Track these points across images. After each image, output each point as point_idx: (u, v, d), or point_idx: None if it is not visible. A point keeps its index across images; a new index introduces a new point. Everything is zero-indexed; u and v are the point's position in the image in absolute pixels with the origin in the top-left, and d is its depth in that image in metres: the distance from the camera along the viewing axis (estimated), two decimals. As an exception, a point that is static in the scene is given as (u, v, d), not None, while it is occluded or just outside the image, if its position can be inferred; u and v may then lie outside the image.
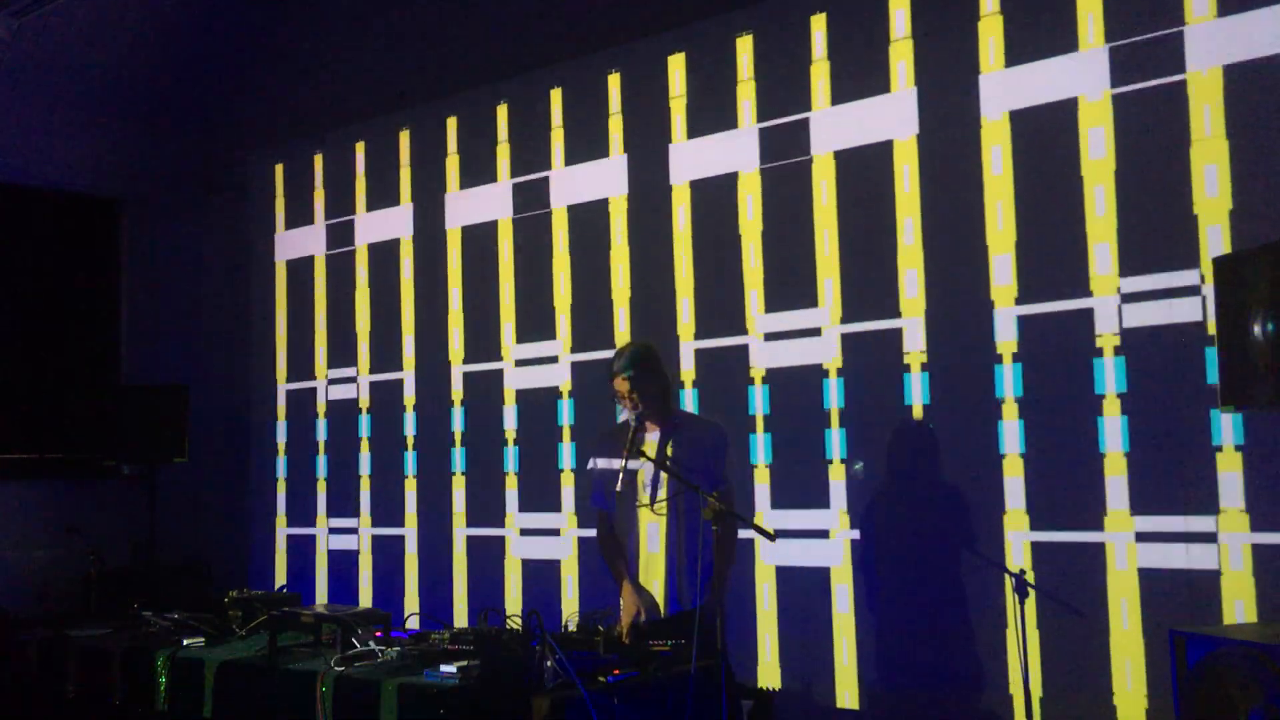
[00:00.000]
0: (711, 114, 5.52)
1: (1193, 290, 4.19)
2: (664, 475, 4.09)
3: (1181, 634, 3.41)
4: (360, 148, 7.10)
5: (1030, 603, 4.37)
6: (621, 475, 4.13)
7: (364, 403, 6.97)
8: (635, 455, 4.09)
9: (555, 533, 5.98)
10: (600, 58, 5.97)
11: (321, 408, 7.23)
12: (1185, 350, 4.20)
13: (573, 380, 5.98)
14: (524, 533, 6.12)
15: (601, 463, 4.35)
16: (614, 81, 5.89)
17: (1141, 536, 4.27)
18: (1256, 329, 3.35)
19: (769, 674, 5.17)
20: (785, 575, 5.16)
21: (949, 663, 4.72)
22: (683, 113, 5.63)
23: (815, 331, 5.13)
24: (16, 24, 6.54)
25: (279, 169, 7.65)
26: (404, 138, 6.87)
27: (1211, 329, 3.94)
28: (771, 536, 3.87)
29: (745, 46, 5.41)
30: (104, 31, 7.24)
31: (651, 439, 4.23)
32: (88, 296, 7.92)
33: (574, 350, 5.98)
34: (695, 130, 5.58)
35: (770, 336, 5.27)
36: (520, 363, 6.20)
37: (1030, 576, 4.43)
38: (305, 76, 7.50)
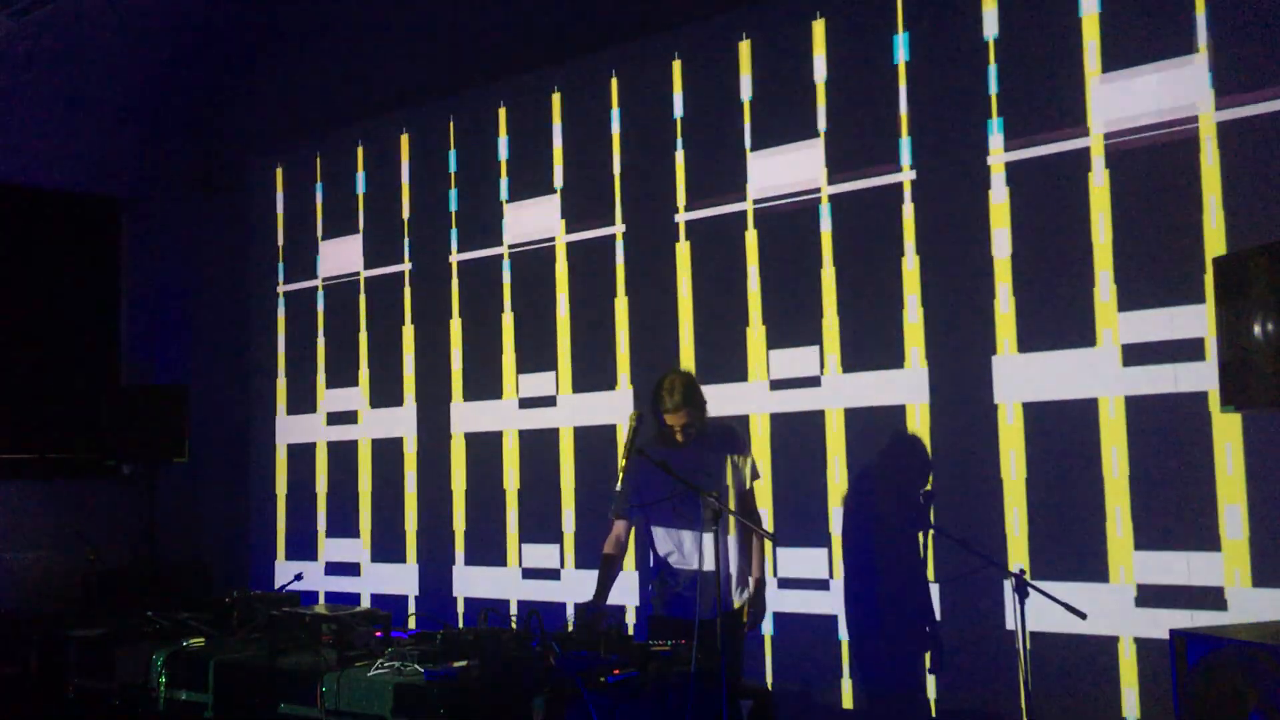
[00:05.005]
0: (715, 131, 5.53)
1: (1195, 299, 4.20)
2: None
3: (1181, 634, 3.40)
4: (360, 149, 7.11)
5: (1030, 603, 4.36)
6: (620, 478, 4.12)
7: (364, 403, 6.98)
8: (631, 454, 4.07)
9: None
10: (601, 58, 5.97)
11: (321, 407, 7.22)
12: (1185, 352, 4.21)
13: (573, 381, 5.99)
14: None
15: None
16: (613, 86, 5.90)
17: (1141, 541, 4.28)
18: (1256, 329, 3.35)
19: (769, 674, 5.17)
20: (785, 582, 5.17)
21: (949, 663, 4.71)
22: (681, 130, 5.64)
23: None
24: (16, 24, 6.54)
25: (279, 169, 7.65)
26: (404, 140, 6.87)
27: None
28: (774, 539, 3.86)
29: (746, 49, 5.42)
30: (104, 31, 7.23)
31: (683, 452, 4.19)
32: (88, 296, 7.92)
33: (574, 358, 6.00)
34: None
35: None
36: (520, 366, 6.22)
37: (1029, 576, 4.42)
38: (305, 76, 7.50)
